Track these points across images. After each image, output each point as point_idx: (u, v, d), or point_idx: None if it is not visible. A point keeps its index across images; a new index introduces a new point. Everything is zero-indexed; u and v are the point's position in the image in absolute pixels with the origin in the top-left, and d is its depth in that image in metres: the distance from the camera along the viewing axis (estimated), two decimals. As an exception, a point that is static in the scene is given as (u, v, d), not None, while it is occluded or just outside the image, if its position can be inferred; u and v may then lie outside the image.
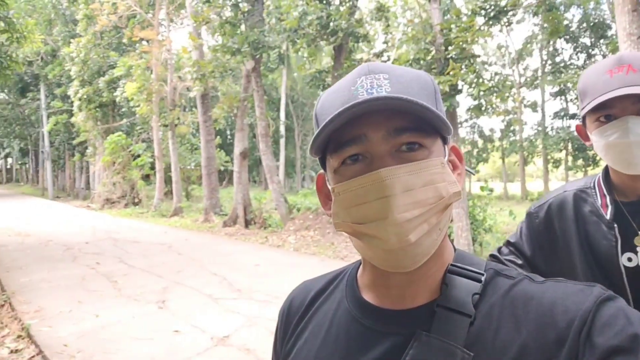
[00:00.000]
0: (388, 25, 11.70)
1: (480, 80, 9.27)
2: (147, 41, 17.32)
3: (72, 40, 22.38)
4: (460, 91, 8.98)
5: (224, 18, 12.19)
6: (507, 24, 10.74)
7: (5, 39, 11.35)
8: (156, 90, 16.98)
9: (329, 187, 0.62)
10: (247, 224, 12.58)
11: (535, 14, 11.42)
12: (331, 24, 10.36)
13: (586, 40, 23.21)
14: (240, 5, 12.30)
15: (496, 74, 22.04)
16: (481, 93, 8.70)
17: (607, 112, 1.06)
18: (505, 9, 9.41)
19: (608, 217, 1.12)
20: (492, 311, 0.57)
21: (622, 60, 1.05)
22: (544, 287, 0.58)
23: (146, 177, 21.63)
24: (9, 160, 49.67)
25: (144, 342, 4.36)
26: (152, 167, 20.09)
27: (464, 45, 8.73)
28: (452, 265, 0.63)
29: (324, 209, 0.67)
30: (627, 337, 0.50)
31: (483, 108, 9.01)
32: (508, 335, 0.55)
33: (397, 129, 0.56)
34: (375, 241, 0.56)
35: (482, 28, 9.71)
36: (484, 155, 29.07)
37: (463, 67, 8.53)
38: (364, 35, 11.09)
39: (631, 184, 1.12)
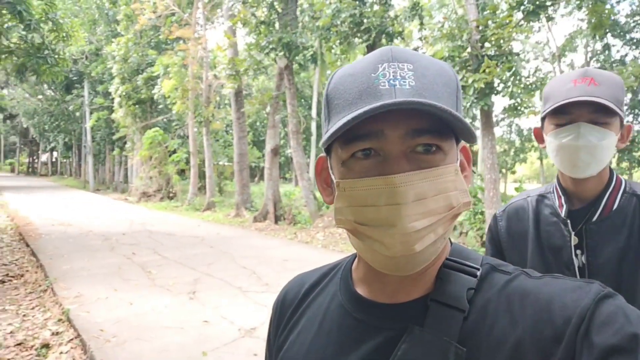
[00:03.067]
0: (422, 23, 11.53)
1: (518, 78, 8.98)
2: (184, 40, 17.76)
3: (113, 39, 23.27)
4: (496, 90, 8.75)
5: (258, 17, 12.35)
6: (547, 18, 10.34)
7: (53, 38, 11.96)
8: (192, 87, 17.41)
9: (332, 178, 0.60)
10: (277, 219, 12.73)
11: (580, 7, 10.92)
12: (364, 21, 10.31)
13: (638, 35, 21.98)
14: (275, 4, 12.43)
15: (536, 70, 21.24)
16: (518, 92, 8.44)
17: (564, 116, 1.16)
18: (545, 3, 9.06)
19: (563, 214, 1.23)
20: (487, 306, 0.56)
21: (587, 73, 1.15)
22: (540, 283, 0.56)
23: (181, 172, 22.24)
24: (54, 154, 52.25)
25: (174, 331, 4.51)
26: (187, 162, 20.62)
27: (501, 42, 8.48)
28: (447, 259, 0.62)
29: (322, 195, 0.65)
30: (626, 337, 0.48)
31: (519, 107, 8.74)
32: (503, 331, 0.53)
33: (416, 130, 0.53)
34: (377, 245, 0.54)
35: (520, 24, 9.40)
36: (522, 155, 28.14)
37: (499, 64, 8.29)
38: (397, 32, 10.96)
39: (574, 189, 1.23)
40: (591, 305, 0.51)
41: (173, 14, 19.07)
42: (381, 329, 0.59)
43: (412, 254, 0.53)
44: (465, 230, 8.65)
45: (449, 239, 0.65)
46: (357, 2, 10.50)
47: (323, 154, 0.64)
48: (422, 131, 0.53)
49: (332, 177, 0.60)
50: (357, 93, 0.54)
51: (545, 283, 0.56)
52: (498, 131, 28.14)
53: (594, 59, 24.04)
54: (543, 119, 1.25)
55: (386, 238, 0.53)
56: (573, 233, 1.20)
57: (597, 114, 1.12)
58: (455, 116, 0.51)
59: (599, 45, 23.73)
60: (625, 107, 1.17)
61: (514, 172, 27.75)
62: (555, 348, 0.50)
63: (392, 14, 11.24)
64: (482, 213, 8.21)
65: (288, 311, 0.73)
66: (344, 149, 0.55)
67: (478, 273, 0.59)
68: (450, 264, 0.61)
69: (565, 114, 1.15)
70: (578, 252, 1.20)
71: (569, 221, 1.21)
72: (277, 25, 12.34)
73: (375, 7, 10.61)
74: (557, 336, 0.51)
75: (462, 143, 0.61)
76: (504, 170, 26.99)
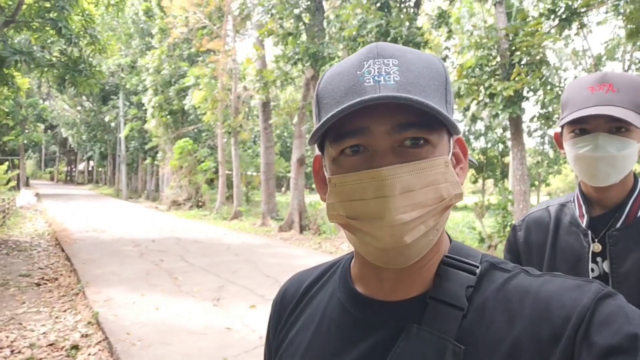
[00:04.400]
0: (450, 31, 11.44)
1: (549, 87, 8.76)
2: (214, 52, 18.24)
3: (148, 52, 24.16)
4: (525, 98, 8.54)
5: (285, 29, 12.57)
6: (580, 26, 10.05)
7: (90, 51, 12.53)
8: (221, 98, 17.82)
9: (326, 175, 0.61)
10: (302, 229, 12.76)
11: (617, 13, 10.56)
12: (391, 31, 10.32)
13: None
14: (302, 16, 12.63)
15: (575, 78, 20.60)
16: (549, 100, 8.21)
17: (582, 126, 1.13)
18: (577, 10, 8.84)
19: (584, 225, 1.20)
20: (486, 305, 0.55)
21: (604, 79, 1.11)
22: (540, 282, 0.55)
23: (210, 182, 22.69)
24: (91, 162, 54.35)
25: (197, 336, 4.57)
26: (216, 172, 21.04)
27: (531, 50, 8.31)
28: (446, 256, 0.61)
29: (319, 193, 0.65)
30: (626, 337, 0.47)
31: (551, 117, 8.50)
32: (501, 329, 0.53)
33: (402, 124, 0.53)
34: (368, 238, 0.54)
35: (551, 31, 9.19)
36: (555, 167, 27.26)
37: (529, 73, 8.11)
38: (424, 42, 10.91)
39: (596, 195, 1.20)
40: (591, 305, 0.50)
41: (204, 27, 19.65)
42: (379, 326, 0.59)
43: (403, 246, 0.53)
44: (494, 243, 8.42)
45: (448, 236, 0.65)
46: (384, 12, 10.53)
47: (319, 153, 0.64)
48: (408, 125, 0.53)
49: (326, 174, 0.61)
50: (343, 91, 0.54)
51: (544, 281, 0.55)
52: (531, 142, 27.37)
53: (635, 67, 23.11)
54: (562, 126, 1.22)
55: (375, 231, 0.53)
56: (596, 240, 1.17)
57: (616, 122, 1.08)
58: (433, 109, 0.51)
59: (639, 54, 22.81)
60: None
61: (548, 185, 26.83)
62: (554, 347, 0.49)
63: (419, 23, 11.21)
64: (511, 226, 7.98)
65: (287, 309, 0.73)
66: (334, 146, 0.56)
67: (477, 271, 0.59)
68: (449, 261, 0.60)
69: (583, 123, 1.12)
70: (599, 259, 1.16)
71: (589, 232, 1.18)
72: (304, 36, 12.51)
73: (402, 17, 10.61)
74: (555, 335, 0.50)
75: (457, 136, 0.61)
76: (536, 183, 26.15)
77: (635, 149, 1.11)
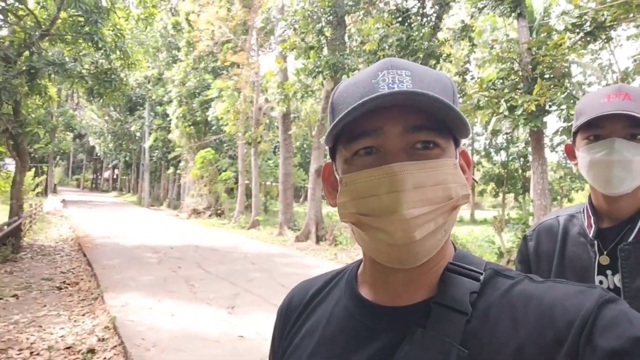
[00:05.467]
0: (473, 45, 11.38)
1: (572, 101, 8.59)
2: (238, 65, 18.61)
3: (174, 64, 24.82)
4: (548, 112, 8.39)
5: (307, 43, 12.75)
6: (606, 40, 9.85)
7: (119, 65, 12.98)
8: (243, 110, 18.12)
9: (337, 177, 0.62)
10: (318, 240, 12.75)
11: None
12: (411, 44, 10.35)
13: None
14: (324, 30, 12.80)
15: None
16: (572, 115, 8.05)
17: (597, 131, 1.13)
18: (603, 24, 8.67)
19: (591, 235, 1.19)
20: (490, 310, 0.56)
21: (621, 89, 1.12)
22: (544, 287, 0.56)
23: (230, 191, 22.96)
24: (116, 171, 55.77)
25: (211, 344, 4.60)
26: (236, 182, 21.29)
27: (554, 64, 8.19)
28: (451, 263, 0.62)
29: (328, 199, 0.67)
30: (629, 340, 0.48)
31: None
32: (505, 334, 0.54)
33: (414, 126, 0.56)
34: (380, 234, 0.55)
35: (576, 45, 9.04)
36: (578, 182, 26.53)
37: (552, 87, 7.98)
38: (447, 54, 10.90)
39: (606, 207, 1.19)
40: (594, 309, 0.51)
41: (229, 41, 20.10)
42: (384, 331, 0.60)
43: (413, 242, 0.54)
44: (513, 258, 8.21)
45: (454, 244, 0.66)
46: (404, 27, 10.59)
47: (329, 161, 0.67)
48: (420, 127, 0.56)
49: (337, 176, 0.63)
50: (358, 97, 0.56)
51: (548, 287, 0.56)
52: (554, 157, 26.77)
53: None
54: (575, 134, 1.22)
55: (387, 226, 0.54)
56: (605, 252, 1.15)
57: (632, 128, 1.09)
58: (448, 105, 0.53)
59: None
60: None
61: (570, 200, 26.09)
62: (558, 351, 0.50)
63: (440, 36, 11.20)
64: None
65: (293, 316, 0.74)
66: (347, 147, 0.58)
67: (481, 277, 0.60)
68: (453, 268, 0.61)
69: (598, 128, 1.12)
70: (608, 272, 1.15)
71: (596, 242, 1.18)
72: (325, 50, 12.66)
73: (423, 30, 10.63)
74: (559, 339, 0.51)
75: (461, 148, 0.63)
76: (558, 197, 25.50)
77: None
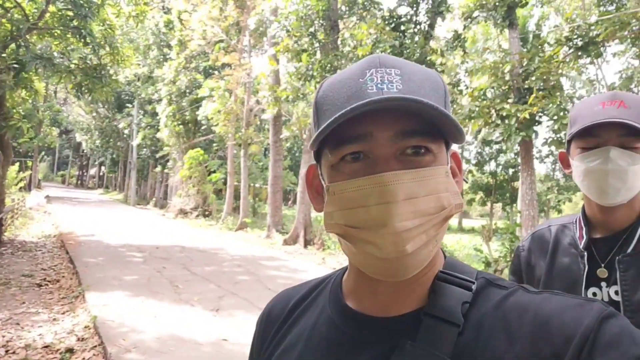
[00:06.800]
0: (465, 53, 11.49)
1: (562, 113, 8.71)
2: (230, 65, 18.52)
3: (165, 63, 24.61)
4: (538, 122, 8.48)
5: (300, 45, 12.74)
6: (595, 55, 10.03)
7: (109, 61, 12.82)
8: (233, 110, 18.02)
9: (323, 184, 0.59)
10: (307, 243, 12.69)
11: (634, 45, 10.52)
12: (404, 52, 10.40)
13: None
14: (317, 34, 12.81)
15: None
16: (561, 126, 8.15)
17: (592, 139, 1.10)
18: (595, 39, 8.82)
19: (581, 246, 1.17)
20: (483, 322, 0.54)
21: (615, 96, 1.10)
22: (539, 299, 0.54)
23: (218, 192, 22.76)
24: (102, 168, 55.01)
25: (193, 346, 4.51)
26: (225, 183, 21.14)
27: (546, 76, 8.29)
28: (441, 272, 0.59)
29: (313, 205, 0.64)
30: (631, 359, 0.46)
31: (563, 142, 8.45)
32: (499, 348, 0.51)
33: (405, 132, 0.53)
34: (369, 247, 0.52)
35: (567, 59, 9.18)
36: (566, 194, 26.92)
37: (544, 98, 8.09)
38: (440, 64, 10.97)
39: (601, 217, 1.16)
40: (595, 326, 0.48)
41: (221, 41, 20.01)
42: (372, 343, 0.57)
43: (404, 255, 0.51)
44: (500, 267, 8.27)
45: (443, 251, 0.63)
46: (398, 34, 10.64)
47: (313, 162, 0.63)
48: (411, 132, 0.53)
49: (323, 182, 0.59)
50: (345, 97, 0.53)
51: (544, 299, 0.54)
52: (542, 168, 27.11)
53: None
54: (569, 142, 1.19)
55: (377, 239, 0.51)
56: (602, 265, 1.12)
57: (627, 137, 1.06)
58: (443, 112, 0.50)
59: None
60: None
61: (559, 211, 26.42)
62: None
63: (433, 44, 11.28)
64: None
65: (273, 327, 0.70)
66: (333, 153, 0.55)
67: (473, 287, 0.57)
68: (444, 276, 0.58)
69: (593, 137, 1.09)
70: (603, 284, 1.12)
71: (585, 254, 1.15)
72: (318, 54, 12.66)
73: (417, 38, 10.70)
74: (557, 355, 0.48)
75: (452, 149, 0.60)
76: (545, 209, 25.83)
77: None
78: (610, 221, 1.15)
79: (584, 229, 1.19)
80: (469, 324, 0.54)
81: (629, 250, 1.10)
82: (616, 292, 1.09)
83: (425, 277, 0.58)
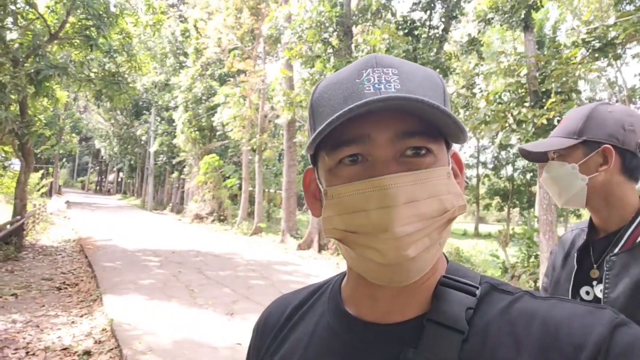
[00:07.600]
0: (481, 58, 11.39)
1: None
2: (245, 72, 18.71)
3: (181, 70, 25.01)
4: (556, 127, 8.34)
5: (314, 52, 12.81)
6: (614, 57, 9.83)
7: (127, 68, 13.10)
8: (248, 116, 18.18)
9: (320, 188, 0.57)
10: (321, 248, 12.68)
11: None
12: (418, 57, 10.38)
13: None
14: (330, 39, 12.87)
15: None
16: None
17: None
18: (613, 41, 8.65)
19: (577, 247, 1.24)
20: (489, 328, 0.52)
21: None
22: (547, 305, 0.52)
23: (234, 197, 22.94)
24: (120, 174, 56.01)
25: (208, 350, 4.54)
26: (240, 188, 21.30)
27: (564, 79, 8.16)
28: (444, 276, 0.57)
29: (311, 210, 0.62)
30: None
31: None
32: (506, 355, 0.49)
33: (405, 132, 0.51)
34: (369, 253, 0.51)
35: (584, 60, 9.02)
36: (585, 199, 26.29)
37: (562, 101, 7.95)
38: (452, 69, 10.90)
39: (595, 220, 1.24)
40: (607, 334, 0.47)
41: (236, 48, 20.25)
42: (373, 351, 0.55)
43: (406, 260, 0.49)
44: (517, 273, 8.13)
45: (445, 256, 0.62)
46: (411, 39, 10.62)
47: (310, 166, 0.61)
48: (411, 133, 0.51)
49: (320, 187, 0.57)
50: (342, 99, 0.52)
51: (552, 305, 0.52)
52: (560, 172, 26.52)
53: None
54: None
55: (378, 244, 0.49)
56: (595, 265, 1.18)
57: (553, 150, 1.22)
58: (444, 111, 0.48)
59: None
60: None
61: (578, 217, 25.85)
62: None
63: (447, 48, 11.22)
64: (536, 256, 7.68)
65: (270, 334, 0.68)
66: (331, 156, 0.53)
67: (477, 292, 0.56)
68: (447, 281, 0.57)
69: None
70: (594, 283, 1.18)
71: (576, 254, 1.23)
72: (332, 60, 12.71)
73: (430, 42, 10.67)
74: None
75: (452, 150, 0.59)
76: (565, 214, 25.32)
77: (569, 170, 1.20)
78: (602, 223, 1.21)
79: (586, 231, 1.26)
80: (474, 331, 0.52)
81: (616, 250, 1.14)
82: (601, 290, 1.14)
83: (428, 282, 0.57)
